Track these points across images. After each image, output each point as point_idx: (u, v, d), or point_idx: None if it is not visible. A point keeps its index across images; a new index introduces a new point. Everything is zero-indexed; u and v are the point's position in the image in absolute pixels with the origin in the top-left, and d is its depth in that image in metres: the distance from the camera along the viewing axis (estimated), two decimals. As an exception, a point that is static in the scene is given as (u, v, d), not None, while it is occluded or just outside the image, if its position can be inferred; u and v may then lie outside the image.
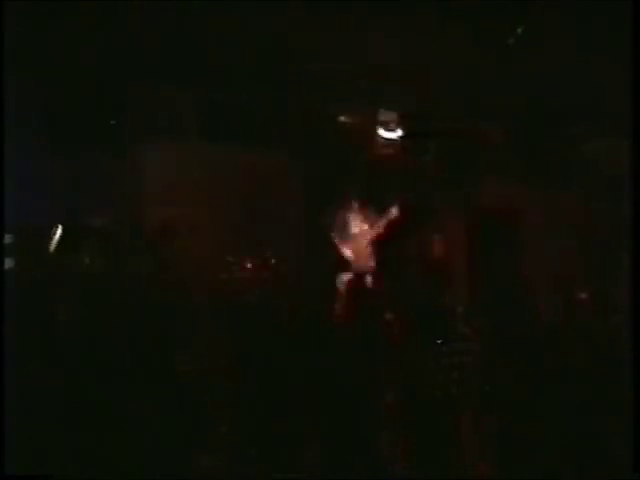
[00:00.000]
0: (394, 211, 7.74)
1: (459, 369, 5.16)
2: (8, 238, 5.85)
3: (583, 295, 6.25)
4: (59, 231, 6.29)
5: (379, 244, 7.91)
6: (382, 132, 8.39)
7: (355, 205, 7.86)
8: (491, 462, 4.45)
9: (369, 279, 7.52)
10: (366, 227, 7.82)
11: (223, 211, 8.27)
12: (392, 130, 8.37)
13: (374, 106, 8.33)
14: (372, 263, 7.84)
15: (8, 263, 5.66)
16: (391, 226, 7.81)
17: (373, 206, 7.88)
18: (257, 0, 5.95)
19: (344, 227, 7.83)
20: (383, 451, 4.40)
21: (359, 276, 6.91)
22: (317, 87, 7.69)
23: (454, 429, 4.63)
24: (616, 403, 4.28)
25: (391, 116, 8.33)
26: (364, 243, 7.81)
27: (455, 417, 4.72)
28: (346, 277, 7.40)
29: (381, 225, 7.79)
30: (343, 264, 7.71)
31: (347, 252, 7.75)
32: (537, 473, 4.32)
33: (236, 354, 4.47)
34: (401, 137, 8.41)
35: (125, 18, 6.07)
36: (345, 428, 4.24)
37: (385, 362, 4.56)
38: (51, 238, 6.27)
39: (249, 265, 7.99)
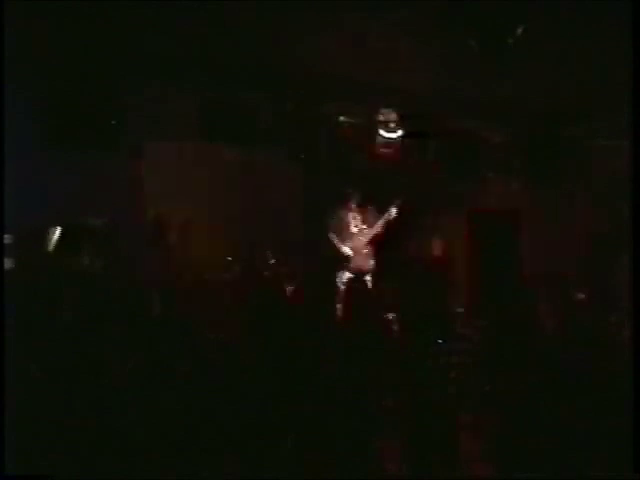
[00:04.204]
0: (393, 211, 7.76)
1: (458, 369, 5.17)
2: (8, 238, 5.86)
3: (583, 295, 6.25)
4: (59, 231, 6.29)
5: (378, 244, 7.92)
6: (382, 132, 8.40)
7: (354, 205, 7.87)
8: (491, 462, 4.46)
9: (368, 278, 7.53)
10: (365, 227, 7.84)
11: (223, 211, 8.28)
12: (392, 130, 8.38)
13: (374, 106, 8.34)
14: (371, 262, 7.86)
15: (8, 263, 5.66)
16: (390, 226, 7.83)
17: (373, 206, 7.89)
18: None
19: (343, 227, 7.84)
20: (382, 451, 4.41)
21: (358, 275, 6.92)
22: (317, 87, 7.70)
23: (453, 429, 4.63)
24: (616, 403, 4.28)
25: (391, 116, 8.33)
26: (363, 242, 7.82)
27: (454, 417, 4.72)
28: (345, 276, 7.41)
29: (380, 225, 7.80)
30: (342, 263, 7.72)
31: (346, 251, 7.76)
32: (537, 473, 4.33)
33: (235, 353, 4.48)
34: (401, 137, 8.42)
35: (125, 17, 6.08)
36: (344, 428, 4.25)
37: (384, 361, 4.57)
38: (51, 238, 6.27)
39: (249, 265, 7.99)
